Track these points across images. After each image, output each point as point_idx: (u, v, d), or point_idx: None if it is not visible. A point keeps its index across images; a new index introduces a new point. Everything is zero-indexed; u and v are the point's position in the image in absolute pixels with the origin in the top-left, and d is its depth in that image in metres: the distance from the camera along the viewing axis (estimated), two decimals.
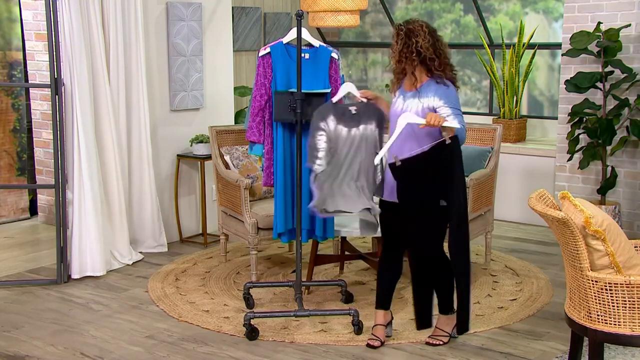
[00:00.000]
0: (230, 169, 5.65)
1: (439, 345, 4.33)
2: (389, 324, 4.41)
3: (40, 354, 4.23)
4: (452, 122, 4.00)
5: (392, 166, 4.06)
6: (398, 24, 4.20)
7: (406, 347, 4.31)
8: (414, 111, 4.13)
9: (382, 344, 4.31)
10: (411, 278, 4.31)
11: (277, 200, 4.71)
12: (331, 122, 4.28)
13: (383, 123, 4.34)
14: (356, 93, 4.34)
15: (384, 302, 4.39)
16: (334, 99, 4.42)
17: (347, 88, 4.40)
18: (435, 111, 4.09)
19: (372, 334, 4.35)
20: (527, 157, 7.05)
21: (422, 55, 4.09)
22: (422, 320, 4.33)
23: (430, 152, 4.03)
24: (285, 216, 4.72)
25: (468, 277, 4.21)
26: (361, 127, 4.29)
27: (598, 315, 3.35)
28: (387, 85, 8.29)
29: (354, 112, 4.30)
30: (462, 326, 4.27)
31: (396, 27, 4.18)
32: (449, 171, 4.05)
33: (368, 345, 4.30)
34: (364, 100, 4.34)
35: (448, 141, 4.01)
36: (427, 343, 4.35)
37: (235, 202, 5.43)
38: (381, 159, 4.21)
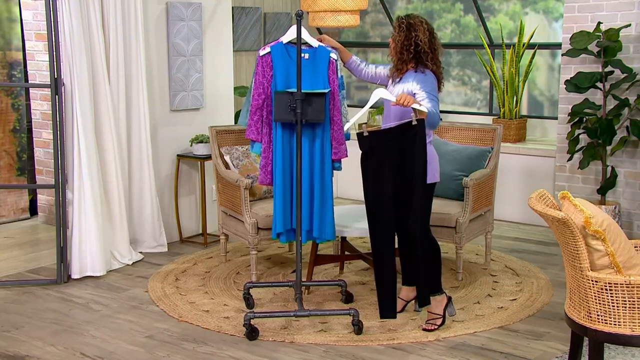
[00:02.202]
0: (230, 169, 5.65)
1: (434, 329, 4.47)
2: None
3: (40, 354, 4.23)
4: (422, 107, 4.23)
5: (359, 135, 4.32)
6: (400, 17, 4.51)
7: (406, 347, 4.32)
8: (394, 94, 4.46)
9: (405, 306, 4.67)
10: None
11: (276, 200, 4.71)
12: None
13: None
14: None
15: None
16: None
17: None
18: (414, 95, 4.37)
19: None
20: (527, 157, 7.05)
21: (420, 48, 4.41)
22: (389, 307, 4.43)
23: (396, 129, 4.29)
24: (284, 216, 4.72)
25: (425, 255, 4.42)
26: None
27: (598, 315, 3.35)
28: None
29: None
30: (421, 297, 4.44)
31: (398, 20, 4.50)
32: (409, 151, 4.27)
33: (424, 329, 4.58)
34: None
35: (414, 122, 4.24)
36: (424, 329, 4.48)
37: (235, 202, 5.43)
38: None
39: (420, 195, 4.32)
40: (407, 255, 4.57)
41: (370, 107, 4.47)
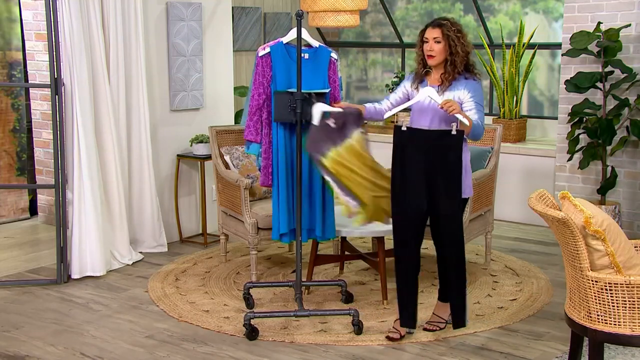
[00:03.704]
0: (230, 169, 5.65)
1: (436, 330, 4.47)
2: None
3: (40, 354, 4.23)
4: (465, 119, 4.10)
5: (397, 128, 4.25)
6: (445, 24, 4.26)
7: (406, 347, 4.32)
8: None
9: (402, 337, 4.37)
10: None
11: (280, 201, 4.70)
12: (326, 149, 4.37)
13: (360, 121, 4.47)
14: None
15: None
16: (315, 122, 4.39)
17: (320, 108, 4.38)
18: (462, 103, 4.25)
19: (393, 327, 4.40)
20: (527, 157, 7.05)
21: (459, 54, 4.24)
22: (411, 318, 4.36)
23: (434, 133, 4.20)
24: (288, 217, 4.71)
25: (463, 270, 4.35)
26: (348, 136, 4.40)
27: (598, 315, 3.35)
28: (387, 85, 8.29)
29: (333, 125, 4.36)
30: (459, 320, 4.35)
31: (450, 28, 4.24)
32: (442, 160, 4.17)
33: (388, 337, 4.36)
34: (340, 109, 4.40)
35: (453, 132, 4.14)
36: (425, 329, 4.48)
37: (235, 202, 5.43)
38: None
39: (458, 212, 4.25)
40: (443, 273, 4.43)
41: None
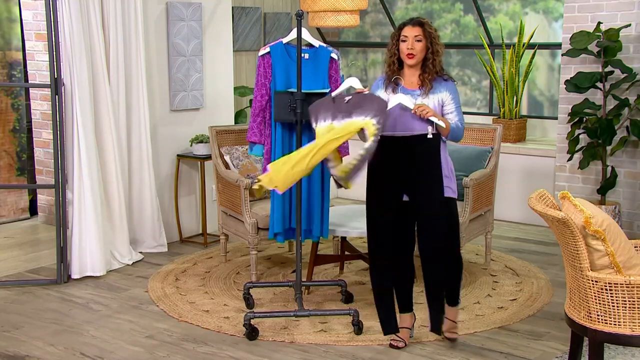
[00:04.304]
0: (230, 169, 5.65)
1: (456, 336, 4.37)
2: (412, 326, 4.40)
3: (40, 354, 4.23)
4: (440, 122, 4.06)
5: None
6: (425, 23, 4.17)
7: (406, 347, 4.31)
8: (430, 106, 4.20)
9: (406, 345, 4.30)
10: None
11: (276, 201, 4.70)
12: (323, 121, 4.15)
13: (383, 113, 4.08)
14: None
15: (407, 305, 4.38)
16: (334, 94, 4.20)
17: (350, 82, 4.20)
18: (443, 105, 4.18)
19: (395, 335, 4.31)
20: (527, 157, 7.05)
21: (439, 54, 4.17)
22: (392, 323, 4.29)
23: (408, 139, 4.10)
24: (283, 216, 4.71)
25: (441, 284, 4.24)
26: (353, 117, 4.09)
27: (598, 315, 3.35)
28: None
29: (346, 101, 4.12)
30: (437, 323, 4.28)
31: (430, 27, 4.17)
32: (422, 166, 4.11)
33: (391, 345, 4.29)
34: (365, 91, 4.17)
35: (429, 136, 4.08)
36: (448, 338, 4.36)
37: (235, 202, 5.43)
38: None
39: (441, 214, 4.14)
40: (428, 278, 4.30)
41: None
